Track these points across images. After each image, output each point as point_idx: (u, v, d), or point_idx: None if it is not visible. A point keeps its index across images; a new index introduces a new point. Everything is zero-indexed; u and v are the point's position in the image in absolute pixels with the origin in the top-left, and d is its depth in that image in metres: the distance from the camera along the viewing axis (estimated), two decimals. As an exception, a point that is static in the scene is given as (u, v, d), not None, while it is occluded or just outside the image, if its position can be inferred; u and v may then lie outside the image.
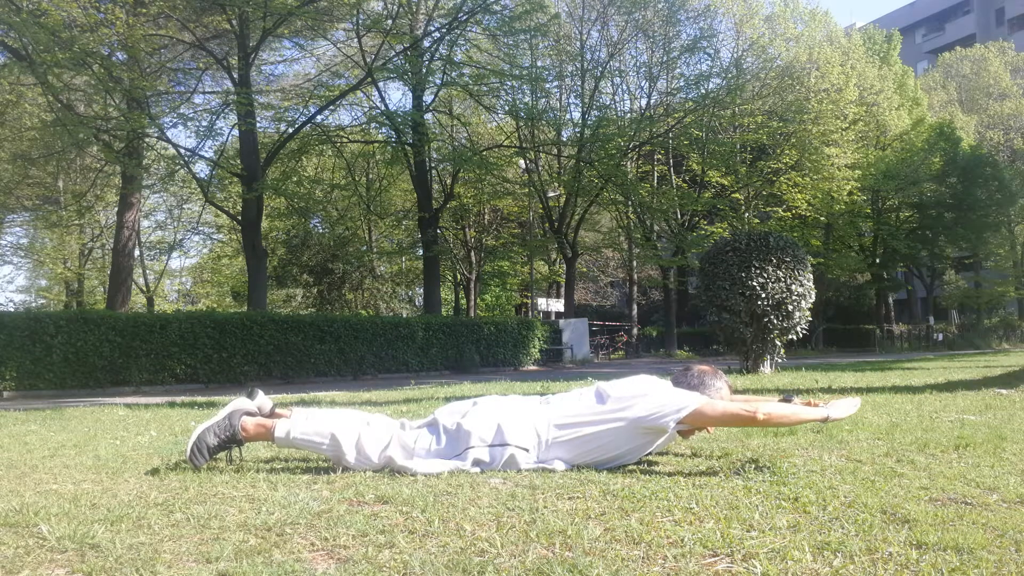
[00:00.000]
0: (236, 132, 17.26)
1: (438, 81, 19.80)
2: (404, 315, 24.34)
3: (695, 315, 34.10)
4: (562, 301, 26.41)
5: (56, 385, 11.02)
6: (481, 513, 1.97)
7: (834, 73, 25.53)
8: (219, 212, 22.82)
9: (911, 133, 29.78)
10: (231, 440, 2.64)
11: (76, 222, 25.94)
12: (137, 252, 24.08)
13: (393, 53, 18.75)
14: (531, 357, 19.38)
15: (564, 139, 25.29)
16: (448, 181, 22.43)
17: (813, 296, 9.44)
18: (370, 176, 26.34)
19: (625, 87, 26.45)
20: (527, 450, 2.55)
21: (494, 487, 2.29)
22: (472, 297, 28.74)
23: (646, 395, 2.60)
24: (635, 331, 28.52)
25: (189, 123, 17.26)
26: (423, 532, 1.81)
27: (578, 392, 2.77)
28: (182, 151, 16.77)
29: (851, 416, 2.88)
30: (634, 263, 28.53)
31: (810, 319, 9.59)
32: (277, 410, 2.81)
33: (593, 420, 2.57)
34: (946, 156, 29.44)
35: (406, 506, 2.05)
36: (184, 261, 34.87)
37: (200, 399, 7.31)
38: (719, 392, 2.81)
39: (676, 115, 24.64)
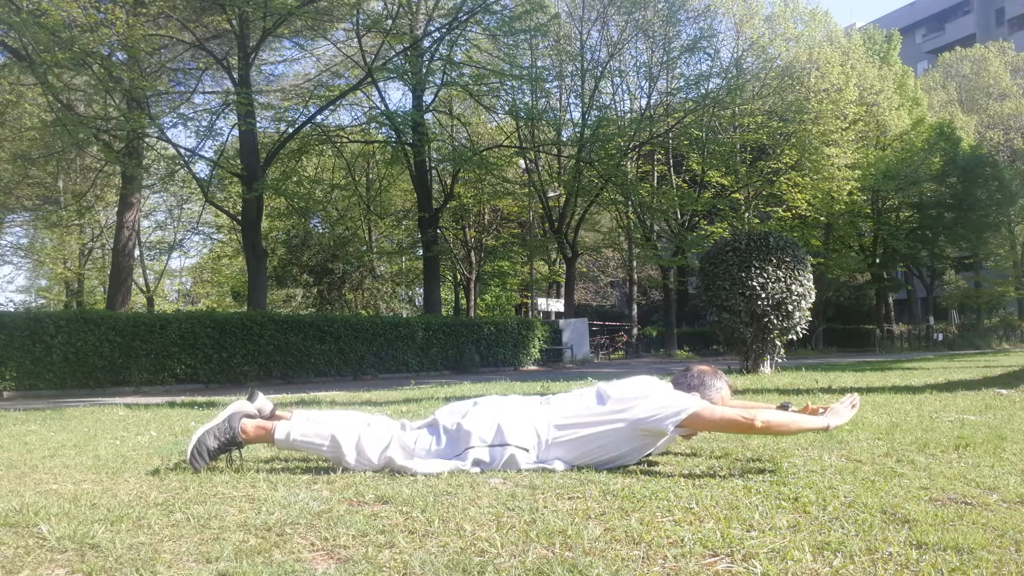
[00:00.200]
0: (236, 132, 17.27)
1: (438, 81, 19.80)
2: (404, 315, 24.34)
3: (695, 315, 34.08)
4: (562, 301, 26.42)
5: (56, 385, 11.02)
6: (481, 513, 1.97)
7: (834, 73, 25.52)
8: (219, 212, 22.82)
9: (911, 133, 29.78)
10: (231, 443, 2.64)
11: (76, 222, 25.95)
12: (137, 252, 24.09)
13: (393, 53, 18.75)
14: (531, 357, 19.38)
15: (564, 139, 25.29)
16: (448, 181, 22.43)
17: (813, 296, 9.44)
18: (370, 176, 26.34)
19: (625, 87, 26.49)
20: (527, 450, 2.55)
21: (494, 487, 2.29)
22: (472, 297, 28.73)
23: (647, 396, 2.59)
24: (635, 331, 28.52)
25: (189, 123, 17.30)
26: (423, 532, 1.81)
27: (578, 392, 2.77)
28: (182, 151, 16.78)
29: (851, 417, 2.88)
30: (634, 263, 28.53)
31: (810, 319, 9.59)
32: (277, 412, 2.81)
33: (593, 421, 2.57)
34: (946, 156, 29.44)
35: (406, 506, 2.05)
36: (184, 261, 34.95)
37: (200, 399, 7.31)
38: (719, 392, 2.81)
39: (676, 115, 24.64)
